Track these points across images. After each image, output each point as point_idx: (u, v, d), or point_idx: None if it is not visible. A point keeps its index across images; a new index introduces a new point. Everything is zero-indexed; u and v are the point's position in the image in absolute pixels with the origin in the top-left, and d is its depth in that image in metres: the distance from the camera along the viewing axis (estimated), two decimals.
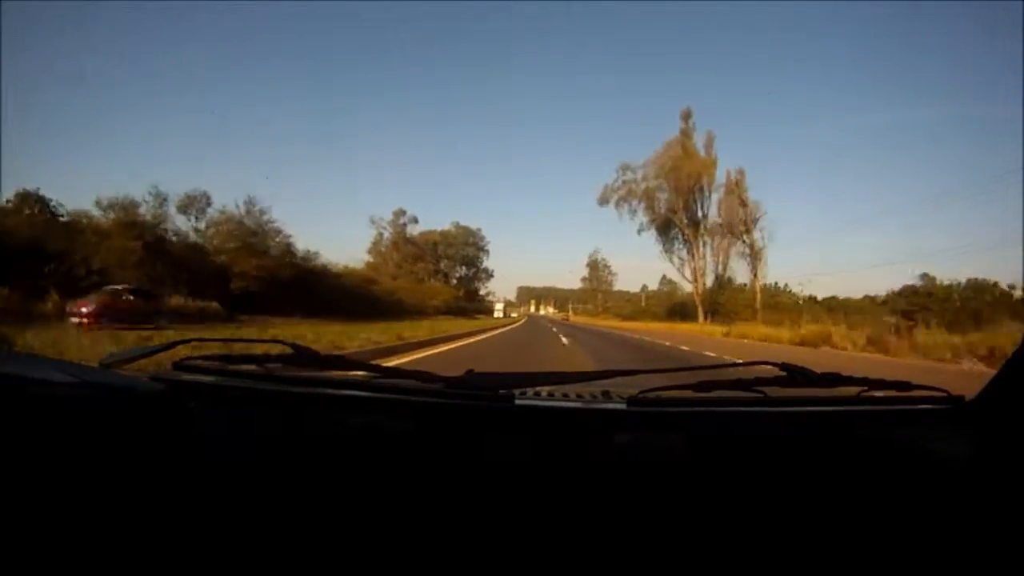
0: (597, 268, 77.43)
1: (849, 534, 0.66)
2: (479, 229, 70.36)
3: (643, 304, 65.68)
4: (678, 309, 46.03)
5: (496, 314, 59.06)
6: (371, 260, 53.38)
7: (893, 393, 0.88)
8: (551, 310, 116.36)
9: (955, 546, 0.66)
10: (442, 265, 65.24)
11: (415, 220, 58.61)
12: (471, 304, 61.27)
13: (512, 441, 0.76)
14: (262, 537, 0.64)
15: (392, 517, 0.66)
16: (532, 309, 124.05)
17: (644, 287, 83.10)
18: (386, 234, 57.94)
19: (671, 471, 0.73)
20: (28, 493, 0.58)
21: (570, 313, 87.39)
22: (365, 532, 0.65)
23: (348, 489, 0.69)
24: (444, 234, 66.36)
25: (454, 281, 69.05)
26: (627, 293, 77.80)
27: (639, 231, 42.04)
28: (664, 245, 42.51)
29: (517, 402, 0.80)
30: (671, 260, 42.52)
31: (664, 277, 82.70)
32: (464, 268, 71.12)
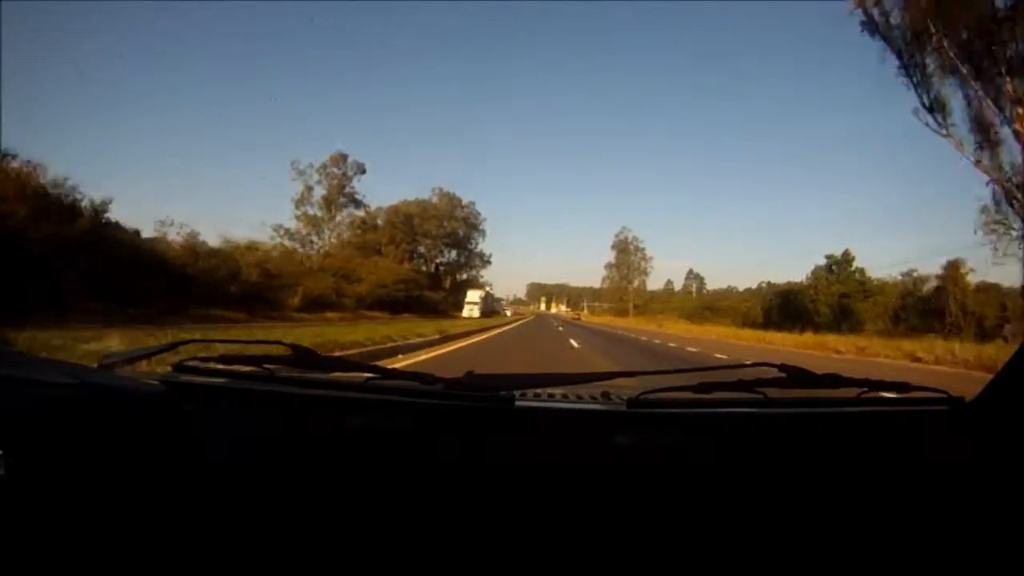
0: (627, 251, 59.60)
1: (849, 535, 0.66)
2: (472, 203, 53.40)
3: (694, 298, 48.18)
4: (785, 307, 28.63)
5: (467, 312, 37.61)
6: (292, 228, 36.26)
7: (893, 394, 0.88)
8: (563, 308, 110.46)
9: (955, 546, 0.66)
10: (420, 247, 48.26)
11: (362, 170, 39.41)
12: (449, 297, 44.43)
13: (512, 442, 0.76)
14: (261, 538, 0.64)
15: (392, 518, 0.66)
16: (543, 307, 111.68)
17: (669, 282, 66.11)
18: (318, 189, 39.16)
19: (671, 472, 0.73)
20: (27, 494, 0.58)
21: (583, 312, 77.32)
22: (365, 533, 0.65)
23: (348, 490, 0.69)
24: (422, 205, 49.41)
25: (440, 268, 51.81)
26: (650, 291, 61.03)
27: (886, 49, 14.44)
28: (924, 88, 13.98)
29: (517, 403, 0.80)
30: (945, 126, 14.05)
31: (691, 271, 64.79)
32: (454, 251, 53.95)
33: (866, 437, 0.80)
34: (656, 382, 0.84)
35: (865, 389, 0.86)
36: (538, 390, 0.90)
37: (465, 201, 52.87)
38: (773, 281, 47.85)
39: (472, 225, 53.58)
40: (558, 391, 0.94)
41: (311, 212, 37.80)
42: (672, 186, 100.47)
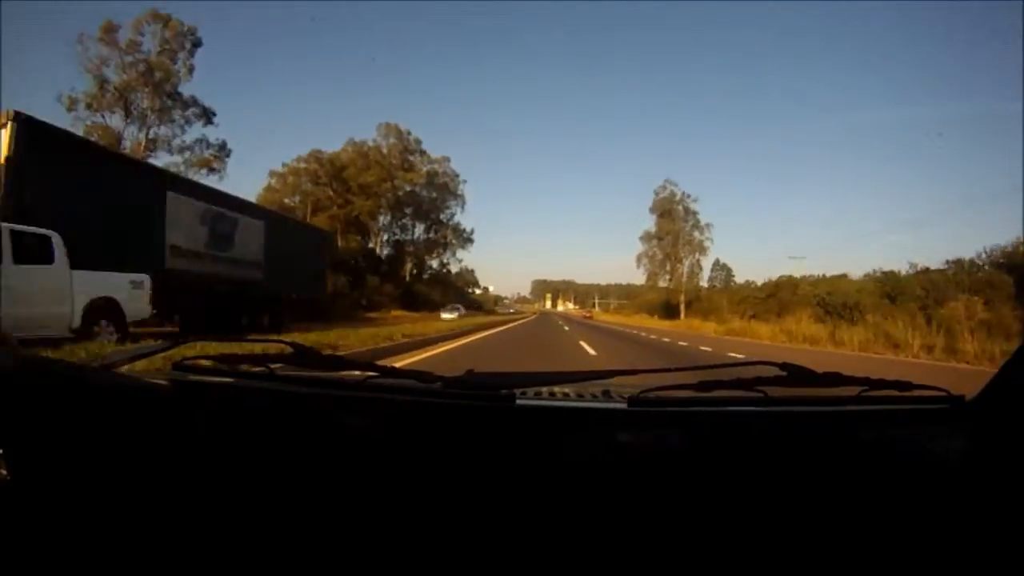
0: (672, 215, 40.23)
1: (849, 534, 0.66)
2: (445, 159, 37.06)
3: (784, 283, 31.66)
4: None
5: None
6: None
7: (893, 393, 0.88)
8: (571, 306, 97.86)
9: (955, 546, 0.66)
10: (354, 211, 31.92)
11: (195, 41, 21.33)
12: (421, 292, 28.18)
13: (513, 441, 0.76)
14: (262, 537, 0.64)
15: (393, 517, 0.66)
16: (548, 304, 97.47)
17: (695, 274, 50.18)
18: (112, 71, 20.46)
19: (672, 470, 0.73)
20: (29, 494, 0.58)
21: (594, 310, 65.88)
22: (365, 532, 0.65)
23: (349, 489, 0.69)
24: (358, 149, 33.02)
25: (399, 247, 35.48)
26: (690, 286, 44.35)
27: None
28: None
29: (518, 402, 0.80)
30: None
31: (717, 262, 50.25)
32: (420, 224, 37.75)
33: (866, 435, 0.79)
34: (657, 380, 0.84)
35: (865, 388, 0.85)
36: (539, 388, 0.90)
37: (435, 155, 36.33)
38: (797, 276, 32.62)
39: (444, 187, 36.96)
40: (559, 389, 0.95)
41: (106, 123, 19.52)
42: (686, 180, 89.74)
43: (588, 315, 56.45)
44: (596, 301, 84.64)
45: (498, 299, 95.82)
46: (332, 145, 31.10)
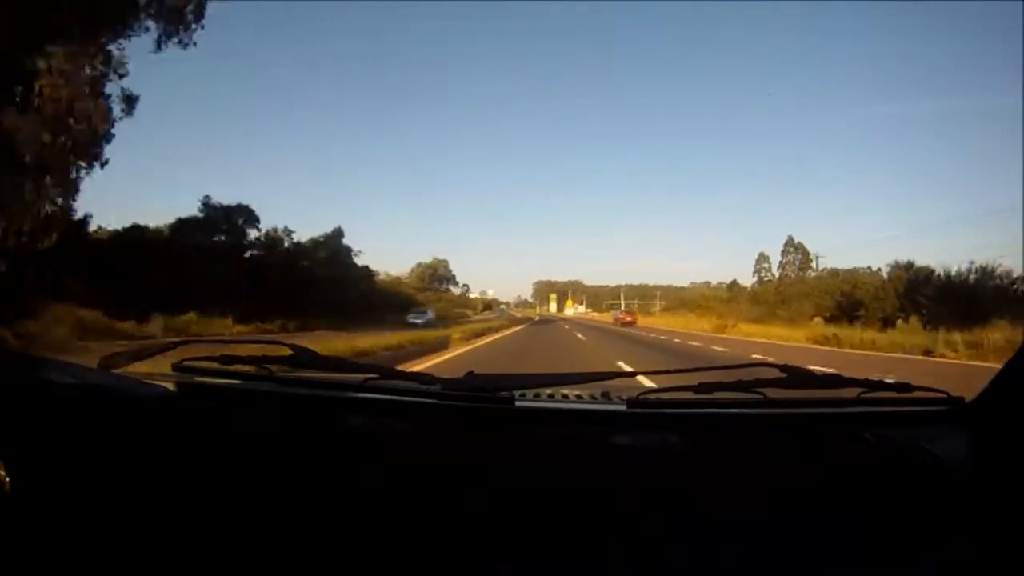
0: None
1: (849, 536, 0.66)
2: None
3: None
4: None
5: None
6: None
7: (893, 395, 0.88)
8: (581, 308, 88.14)
9: (955, 547, 0.66)
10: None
11: None
12: None
13: (512, 443, 0.76)
14: (262, 536, 0.65)
15: (393, 517, 0.66)
16: (553, 308, 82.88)
17: (764, 257, 42.66)
18: None
19: (670, 472, 0.73)
20: (28, 495, 0.58)
21: (632, 313, 45.05)
22: (366, 531, 0.66)
23: (349, 489, 0.69)
24: None
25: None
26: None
27: None
28: None
29: (517, 404, 0.80)
30: None
31: (791, 240, 38.75)
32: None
33: (866, 437, 0.79)
34: (656, 382, 0.84)
35: (865, 389, 0.85)
36: (539, 390, 0.90)
37: None
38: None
39: None
40: (559, 391, 0.95)
41: None
42: (705, 165, 77.22)
43: (630, 320, 35.52)
44: (623, 302, 66.29)
45: (494, 303, 79.78)
46: None
